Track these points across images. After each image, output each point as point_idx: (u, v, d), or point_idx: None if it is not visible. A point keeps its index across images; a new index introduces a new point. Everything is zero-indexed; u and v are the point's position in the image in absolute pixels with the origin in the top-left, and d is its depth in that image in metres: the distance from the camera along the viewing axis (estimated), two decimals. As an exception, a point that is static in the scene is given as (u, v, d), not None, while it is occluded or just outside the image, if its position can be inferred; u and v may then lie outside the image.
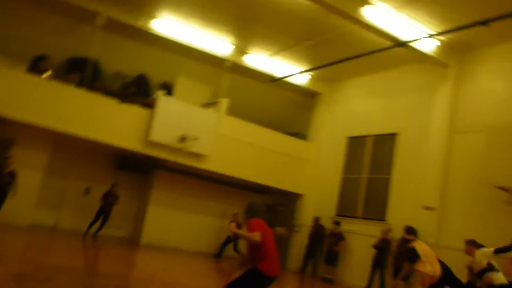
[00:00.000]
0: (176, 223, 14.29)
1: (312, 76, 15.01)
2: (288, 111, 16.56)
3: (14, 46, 12.33)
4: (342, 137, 14.32)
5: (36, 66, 11.82)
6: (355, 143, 13.94)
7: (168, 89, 14.04)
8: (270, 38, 12.75)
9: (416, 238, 9.65)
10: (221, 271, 12.05)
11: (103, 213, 12.48)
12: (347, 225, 12.82)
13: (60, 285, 5.91)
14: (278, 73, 14.52)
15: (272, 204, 14.99)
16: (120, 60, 13.91)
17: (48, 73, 11.98)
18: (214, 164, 13.36)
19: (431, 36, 10.54)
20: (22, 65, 11.93)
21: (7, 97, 10.67)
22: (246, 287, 4.37)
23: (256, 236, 4.31)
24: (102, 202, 12.46)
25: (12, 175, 10.70)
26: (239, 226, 13.78)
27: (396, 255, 10.65)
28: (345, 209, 13.47)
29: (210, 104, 14.46)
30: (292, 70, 14.41)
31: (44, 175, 12.46)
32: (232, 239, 13.76)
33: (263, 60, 14.06)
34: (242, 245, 13.93)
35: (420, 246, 7.13)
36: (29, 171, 11.86)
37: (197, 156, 12.98)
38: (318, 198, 14.41)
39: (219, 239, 14.49)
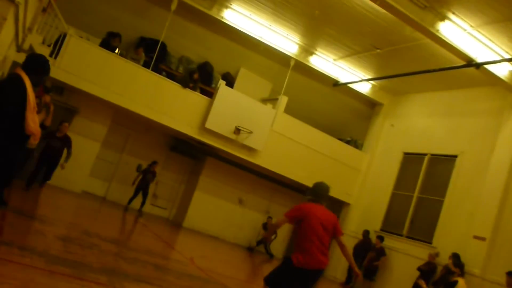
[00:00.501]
0: (219, 212, 14.45)
1: (375, 85, 14.69)
2: (346, 117, 16.30)
3: (90, 20, 12.85)
4: (398, 151, 13.90)
5: (108, 42, 12.24)
6: (410, 159, 13.50)
7: (229, 79, 14.17)
8: (339, 41, 12.56)
9: (461, 273, 9.27)
10: (255, 264, 12.07)
11: (141, 189, 12.83)
12: (390, 242, 12.47)
13: (103, 254, 6.10)
14: (341, 78, 14.30)
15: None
16: (187, 45, 14.17)
17: (118, 50, 12.40)
18: (264, 160, 13.38)
19: (508, 60, 10.01)
20: (96, 38, 12.44)
21: (77, 67, 11.10)
22: (279, 276, 4.25)
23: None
24: (140, 178, 12.78)
25: (64, 140, 10.03)
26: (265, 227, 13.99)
27: (435, 282, 10.26)
28: (390, 225, 13.09)
29: (269, 100, 14.47)
30: (355, 76, 14.15)
31: (101, 146, 12.93)
32: (264, 241, 13.96)
33: (328, 62, 13.88)
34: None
35: (462, 284, 6.81)
36: (88, 141, 12.35)
37: (249, 149, 13.05)
38: (365, 210, 14.11)
39: (258, 234, 14.57)
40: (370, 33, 11.45)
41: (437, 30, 9.49)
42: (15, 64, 4.86)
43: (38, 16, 8.45)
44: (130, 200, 12.83)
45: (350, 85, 14.46)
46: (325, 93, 15.36)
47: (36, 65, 4.15)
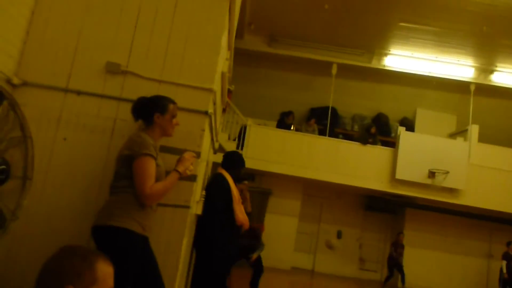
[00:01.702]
0: (434, 265, 13.28)
1: None
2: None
3: (263, 107, 13.87)
4: None
5: (283, 121, 12.97)
6: None
7: (408, 124, 13.58)
8: (520, 49, 11.23)
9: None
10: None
11: (396, 265, 12.06)
12: None
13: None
14: (536, 87, 12.58)
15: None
16: (356, 102, 14.17)
17: (293, 127, 13.01)
18: (470, 198, 12.09)
19: None
20: (272, 122, 13.30)
21: (261, 152, 11.89)
22: None
23: None
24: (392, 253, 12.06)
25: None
26: None
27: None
28: None
29: (458, 133, 13.34)
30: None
31: (299, 220, 13.27)
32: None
33: (514, 75, 12.41)
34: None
35: None
36: (287, 217, 12.82)
37: (450, 190, 11.98)
38: None
39: (486, 282, 12.88)
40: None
41: None
42: (214, 164, 5.37)
43: (221, 117, 9.44)
44: (386, 280, 12.15)
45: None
46: (520, 108, 13.60)
47: (232, 161, 4.55)
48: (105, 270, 1.46)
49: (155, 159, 2.65)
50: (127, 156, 2.65)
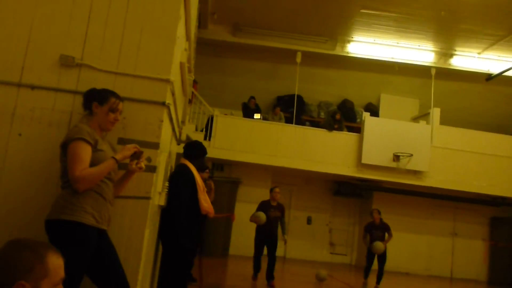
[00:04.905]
0: (402, 246, 13.64)
1: (536, 65, 12.99)
2: (510, 109, 14.57)
3: (229, 97, 13.86)
4: None
5: (247, 108, 13.04)
6: None
7: (373, 109, 13.85)
8: (478, 33, 11.54)
9: None
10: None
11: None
12: None
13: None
14: (492, 69, 12.96)
15: (509, 217, 13.19)
16: (321, 90, 14.34)
17: (258, 115, 13.06)
18: (434, 180, 12.46)
19: None
20: (238, 111, 13.33)
21: (229, 142, 11.91)
22: None
23: None
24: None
25: (280, 208, 8.57)
26: None
27: None
28: None
29: (420, 117, 13.68)
30: (510, 63, 12.70)
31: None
32: None
33: (472, 59, 12.76)
34: None
35: None
36: (257, 206, 12.87)
37: (414, 173, 12.33)
38: None
39: (452, 260, 13.35)
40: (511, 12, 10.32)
41: None
42: (178, 155, 5.37)
43: (187, 108, 9.40)
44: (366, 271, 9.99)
45: (506, 73, 13.00)
46: (479, 91, 14.02)
47: (193, 151, 4.57)
48: (55, 262, 1.46)
49: (90, 144, 2.62)
50: (63, 145, 2.64)
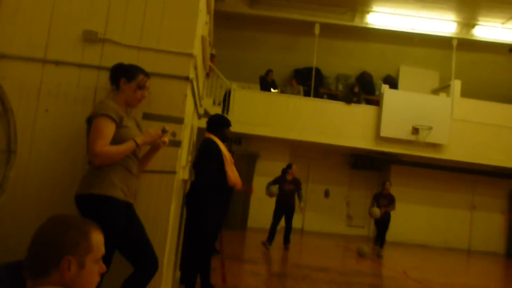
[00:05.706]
0: (420, 219, 13.68)
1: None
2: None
3: (247, 70, 13.76)
4: None
5: (265, 81, 12.95)
6: None
7: (392, 82, 13.65)
8: (501, 3, 11.21)
9: None
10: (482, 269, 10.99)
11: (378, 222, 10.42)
12: None
13: (317, 283, 6.20)
14: (517, 40, 12.64)
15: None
16: (339, 62, 14.15)
17: (277, 90, 13.00)
18: (453, 153, 12.35)
19: None
20: (256, 84, 13.26)
21: (247, 115, 11.90)
22: None
23: None
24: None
25: (295, 183, 9.50)
26: None
27: None
28: None
29: (440, 89, 13.47)
30: (534, 32, 12.37)
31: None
32: None
33: (495, 29, 12.42)
34: None
35: None
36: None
37: (433, 146, 12.22)
38: None
39: (470, 233, 13.34)
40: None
41: None
42: (200, 130, 5.39)
43: (204, 82, 9.40)
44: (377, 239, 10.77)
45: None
46: (502, 62, 13.71)
47: (216, 123, 4.59)
48: (98, 239, 1.51)
49: (115, 121, 2.63)
50: (89, 119, 2.67)
